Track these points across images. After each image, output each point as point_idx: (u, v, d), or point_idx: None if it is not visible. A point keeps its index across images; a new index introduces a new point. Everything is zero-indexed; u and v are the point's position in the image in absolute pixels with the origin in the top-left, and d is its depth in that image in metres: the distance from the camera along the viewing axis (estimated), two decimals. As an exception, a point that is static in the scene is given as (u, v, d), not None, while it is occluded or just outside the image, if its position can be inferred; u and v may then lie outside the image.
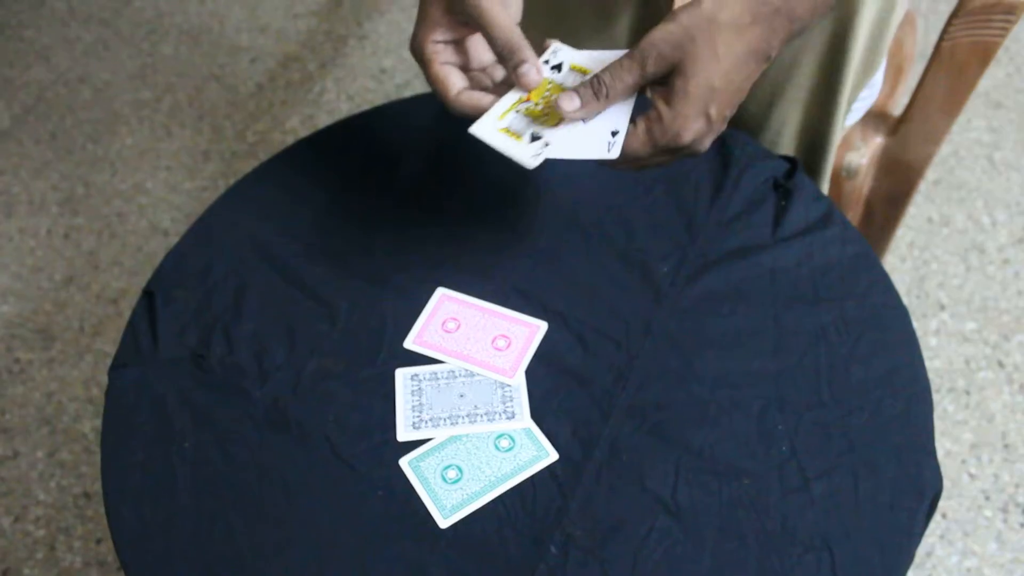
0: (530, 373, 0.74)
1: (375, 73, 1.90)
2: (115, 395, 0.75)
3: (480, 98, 0.70)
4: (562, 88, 0.69)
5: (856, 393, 0.72)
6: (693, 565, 0.64)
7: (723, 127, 0.68)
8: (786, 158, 0.87)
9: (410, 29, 0.78)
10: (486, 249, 0.82)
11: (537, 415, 0.72)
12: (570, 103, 0.67)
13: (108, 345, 1.51)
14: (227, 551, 0.66)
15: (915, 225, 1.58)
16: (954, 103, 1.02)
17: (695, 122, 0.65)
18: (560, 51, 0.71)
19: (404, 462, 0.70)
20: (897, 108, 1.12)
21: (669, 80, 0.65)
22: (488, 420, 0.72)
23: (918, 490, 0.67)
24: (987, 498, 1.29)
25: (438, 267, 0.81)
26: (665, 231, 0.83)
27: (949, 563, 1.24)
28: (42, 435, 1.42)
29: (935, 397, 0.76)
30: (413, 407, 0.73)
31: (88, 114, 1.86)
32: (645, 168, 0.70)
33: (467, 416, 0.72)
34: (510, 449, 0.70)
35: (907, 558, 0.65)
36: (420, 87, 1.83)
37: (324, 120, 1.82)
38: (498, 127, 0.69)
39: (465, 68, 0.73)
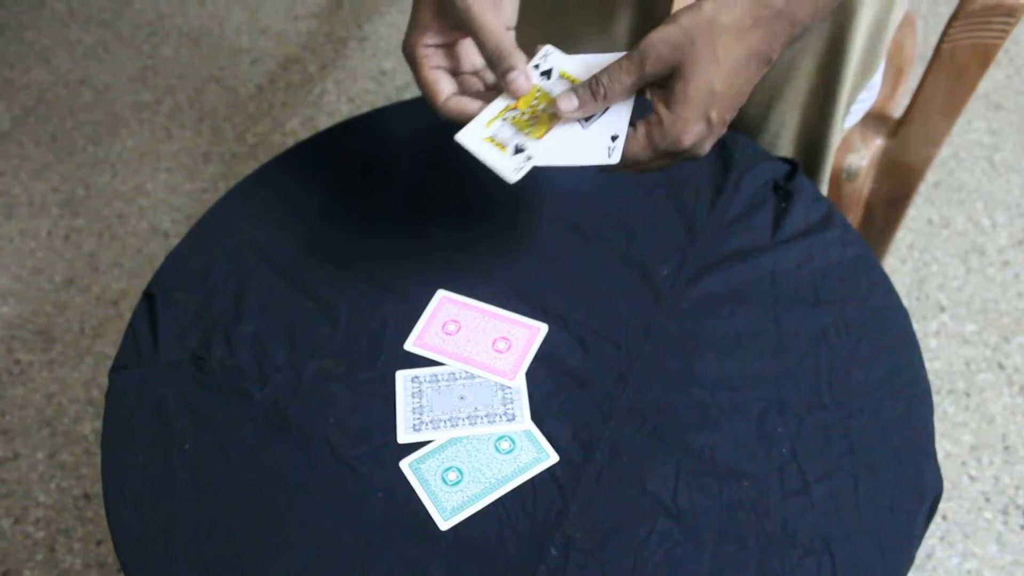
0: (530, 375, 0.74)
1: (375, 75, 1.90)
2: (115, 397, 0.75)
3: (467, 104, 0.69)
4: (549, 97, 0.68)
5: (856, 395, 0.72)
6: (693, 567, 0.64)
7: (723, 131, 0.67)
8: (786, 160, 0.87)
9: (410, 31, 0.78)
10: (487, 251, 0.83)
11: (537, 417, 0.72)
12: (568, 104, 0.66)
13: (108, 347, 1.51)
14: (227, 553, 0.66)
15: (915, 227, 1.58)
16: (954, 105, 1.03)
17: (695, 126, 0.65)
18: (551, 55, 0.70)
19: (404, 464, 0.70)
20: (897, 110, 1.12)
21: (669, 83, 0.65)
22: (488, 422, 0.72)
23: (918, 492, 0.67)
24: (987, 500, 1.29)
25: (438, 269, 0.81)
26: (665, 233, 0.83)
27: (949, 565, 1.24)
28: (42, 437, 1.42)
29: (935, 399, 0.76)
30: (413, 409, 0.73)
31: (88, 116, 1.86)
32: (644, 172, 0.70)
33: (467, 418, 0.72)
34: (510, 451, 0.70)
35: (907, 560, 0.65)
36: (420, 89, 1.83)
37: (324, 122, 1.82)
38: (483, 135, 0.68)
39: (456, 72, 0.72)
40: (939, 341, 1.45)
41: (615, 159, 0.66)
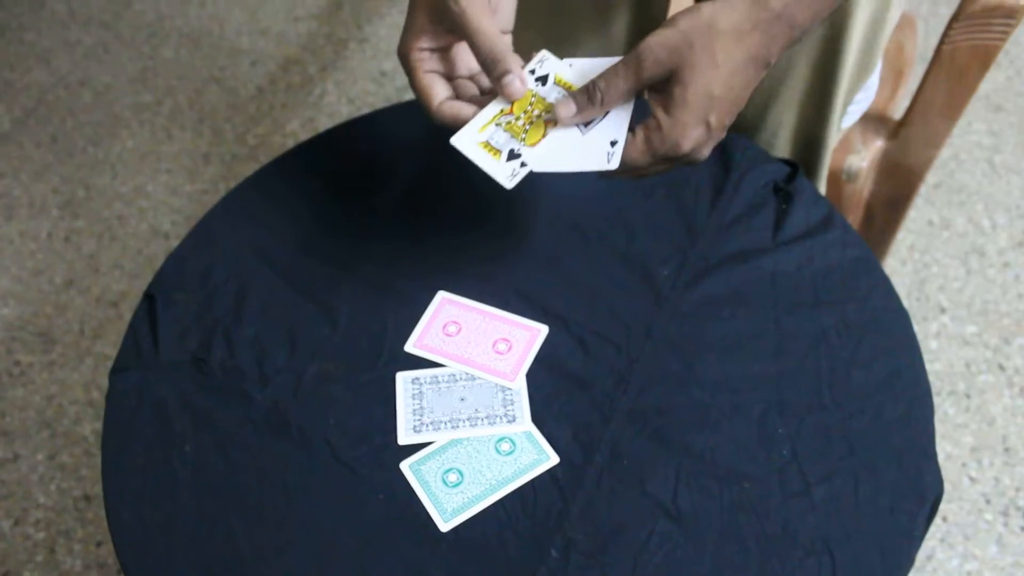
0: (531, 376, 0.74)
1: (375, 76, 1.90)
2: (116, 398, 0.75)
3: (461, 108, 0.69)
4: (545, 102, 0.68)
5: (857, 396, 0.72)
6: (694, 569, 0.64)
7: (723, 135, 0.67)
8: (787, 162, 0.87)
9: (410, 32, 0.78)
10: (487, 252, 0.83)
11: (538, 419, 0.72)
12: (566, 110, 0.66)
13: (108, 348, 1.51)
14: (227, 554, 0.66)
15: (915, 228, 1.58)
16: (954, 107, 1.03)
17: (694, 130, 0.65)
18: (547, 61, 0.70)
19: (405, 466, 0.70)
20: (897, 112, 1.12)
21: (667, 88, 0.64)
22: (489, 424, 0.72)
23: (919, 493, 0.67)
24: (988, 501, 1.29)
25: (439, 270, 0.81)
26: (666, 234, 0.83)
27: (950, 566, 1.24)
28: (42, 438, 1.42)
29: (935, 400, 0.76)
30: (414, 411, 0.73)
31: (89, 117, 1.86)
32: (643, 177, 0.70)
33: (468, 420, 0.72)
34: (511, 453, 0.70)
35: (908, 561, 0.65)
36: (420, 90, 1.83)
37: (325, 123, 1.82)
38: (478, 140, 0.68)
39: (451, 76, 0.72)
40: (939, 342, 1.45)
41: (614, 165, 0.66)
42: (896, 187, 1.13)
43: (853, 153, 1.08)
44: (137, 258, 1.63)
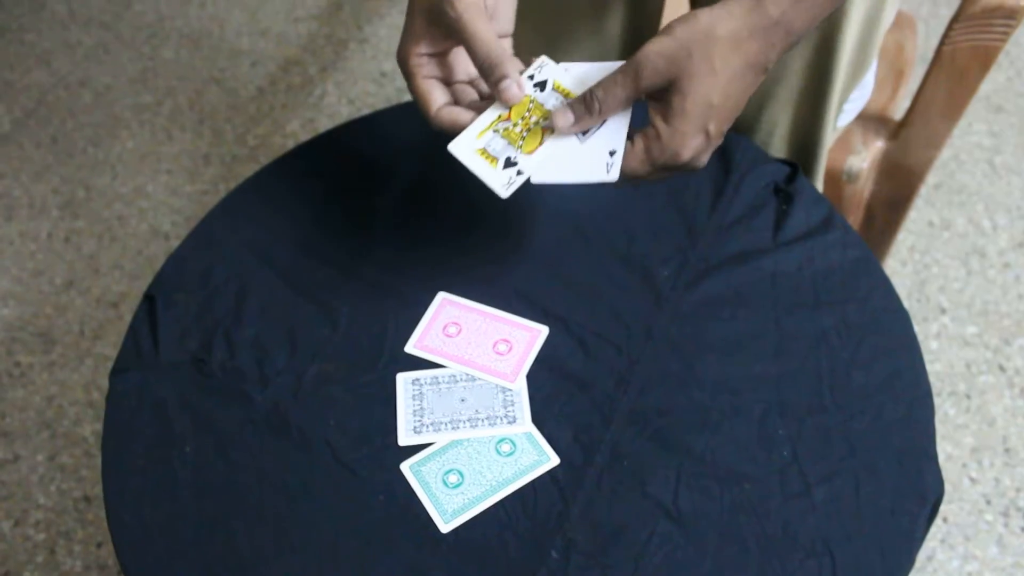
0: (531, 377, 0.74)
1: (376, 77, 1.90)
2: (116, 399, 0.75)
3: (460, 114, 0.69)
4: (543, 109, 0.68)
5: (857, 397, 0.72)
6: (694, 570, 0.64)
7: (720, 141, 0.67)
8: (787, 162, 0.87)
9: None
10: (487, 253, 0.82)
11: (538, 420, 0.72)
12: (564, 120, 0.66)
13: (109, 349, 1.51)
14: (228, 555, 0.66)
15: (916, 229, 1.58)
16: (955, 107, 1.03)
17: (694, 139, 0.65)
18: (546, 67, 0.70)
19: (405, 467, 0.70)
20: (898, 112, 1.12)
21: (666, 97, 0.64)
22: (489, 424, 0.72)
23: (919, 494, 0.67)
24: (988, 502, 1.29)
25: (439, 271, 0.81)
26: (666, 235, 0.83)
27: (950, 567, 1.24)
28: (42, 439, 1.42)
29: (936, 401, 0.76)
30: (414, 411, 0.73)
31: (89, 118, 1.86)
32: (642, 184, 0.70)
33: (468, 421, 0.72)
34: (511, 454, 0.70)
35: (908, 562, 0.65)
36: (421, 91, 1.83)
37: (325, 124, 1.82)
38: (475, 147, 0.68)
39: (449, 81, 0.72)
40: (940, 343, 1.45)
41: (614, 176, 0.66)
42: (896, 188, 1.13)
43: (853, 154, 1.08)
44: (137, 259, 1.63)
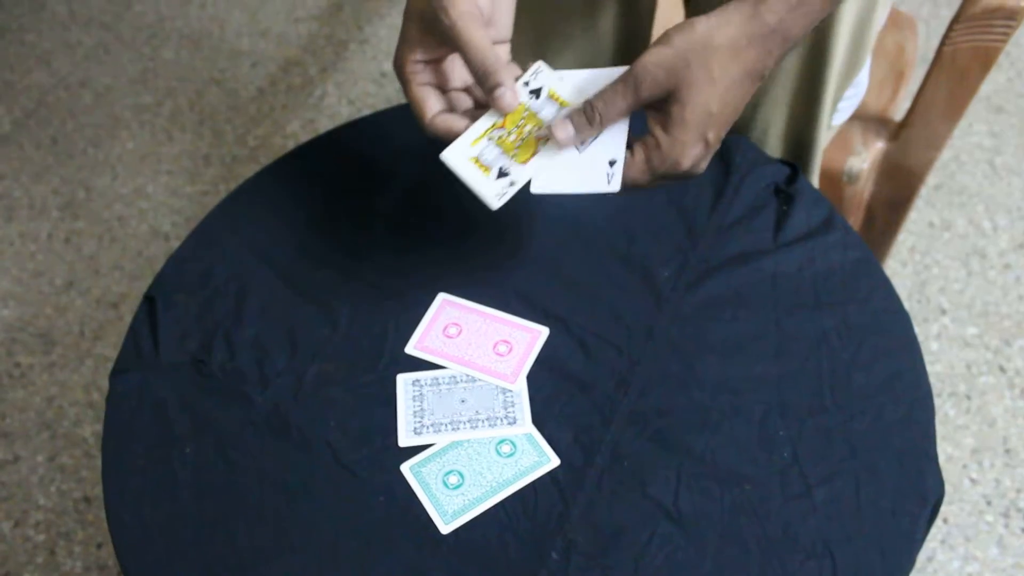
0: (531, 378, 0.74)
1: (376, 77, 1.90)
2: (116, 400, 0.75)
3: (455, 122, 0.69)
4: (536, 118, 0.68)
5: (858, 398, 0.72)
6: (695, 571, 0.64)
7: (718, 146, 0.68)
8: (787, 163, 0.87)
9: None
10: (487, 254, 0.82)
11: (538, 421, 0.72)
12: (564, 132, 0.66)
13: (109, 350, 1.51)
14: (228, 556, 0.66)
15: (916, 230, 1.58)
16: (955, 108, 1.03)
17: (693, 148, 0.65)
18: (541, 73, 0.69)
19: (405, 468, 0.70)
20: (898, 113, 1.12)
21: (665, 107, 0.64)
22: (489, 426, 0.72)
23: (920, 495, 0.67)
24: (988, 503, 1.29)
25: (439, 272, 0.81)
26: (666, 236, 0.83)
27: (950, 568, 1.24)
28: (42, 439, 1.41)
29: (936, 402, 0.76)
30: (414, 412, 0.73)
31: (89, 118, 1.86)
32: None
33: (468, 422, 0.72)
34: (511, 455, 0.70)
35: (909, 563, 0.65)
36: (421, 91, 1.83)
37: (325, 124, 1.82)
38: (469, 155, 0.68)
39: (445, 88, 0.71)
40: (940, 344, 1.45)
41: (615, 187, 0.66)
42: (897, 189, 1.13)
43: (854, 155, 1.08)
44: (137, 259, 1.63)
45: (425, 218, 0.85)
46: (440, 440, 0.71)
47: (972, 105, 1.12)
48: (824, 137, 0.97)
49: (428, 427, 0.72)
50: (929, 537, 1.24)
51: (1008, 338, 1.45)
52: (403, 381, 0.75)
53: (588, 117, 0.66)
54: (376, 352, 0.76)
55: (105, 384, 1.41)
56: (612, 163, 0.66)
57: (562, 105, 0.68)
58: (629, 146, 0.66)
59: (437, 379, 0.75)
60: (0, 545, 1.32)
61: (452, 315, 0.78)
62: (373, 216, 0.86)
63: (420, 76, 0.70)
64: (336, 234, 0.85)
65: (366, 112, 1.80)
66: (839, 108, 0.98)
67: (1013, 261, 1.54)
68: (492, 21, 0.70)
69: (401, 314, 0.78)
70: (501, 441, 0.71)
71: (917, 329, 0.78)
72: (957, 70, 0.99)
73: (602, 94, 0.66)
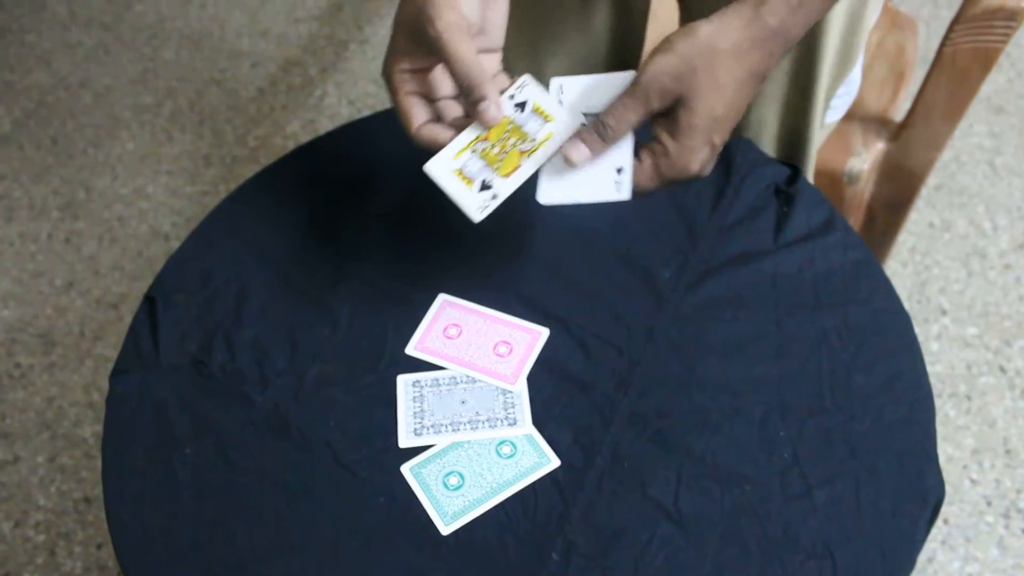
0: (532, 379, 0.74)
1: (376, 77, 1.90)
2: (116, 400, 0.75)
3: (440, 133, 0.69)
4: (521, 131, 0.68)
5: (858, 399, 0.72)
6: (695, 572, 0.64)
7: (722, 147, 0.68)
8: (788, 164, 0.87)
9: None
10: (487, 255, 0.82)
11: (539, 421, 0.72)
12: (578, 155, 0.66)
13: (109, 350, 1.51)
14: (228, 557, 0.66)
15: (916, 230, 1.58)
16: (956, 109, 1.03)
17: (701, 153, 0.66)
18: (527, 87, 0.69)
19: (405, 468, 0.70)
20: (899, 114, 1.12)
21: (672, 113, 0.65)
22: (490, 427, 0.72)
23: (920, 496, 0.67)
24: (989, 504, 1.29)
25: (440, 273, 0.81)
26: (667, 237, 0.83)
27: (951, 569, 1.24)
28: (42, 440, 1.41)
29: (936, 402, 0.76)
30: (415, 413, 0.73)
31: (89, 119, 1.86)
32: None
33: (469, 423, 0.72)
34: (512, 456, 0.70)
35: (909, 564, 0.65)
36: (421, 92, 1.83)
37: (325, 125, 1.82)
38: (452, 167, 0.68)
39: (433, 98, 0.71)
40: (940, 344, 1.45)
41: (626, 195, 0.66)
42: (897, 189, 1.13)
43: (854, 155, 1.08)
44: (137, 260, 1.63)
45: (425, 219, 0.85)
46: (440, 441, 0.71)
47: (972, 106, 1.12)
48: (818, 135, 0.97)
49: (428, 428, 0.72)
50: (929, 538, 1.23)
51: (1008, 338, 1.45)
52: (403, 382, 0.75)
53: (600, 135, 0.66)
54: (376, 353, 0.76)
55: (105, 385, 1.41)
56: (620, 171, 0.66)
57: (547, 119, 0.68)
58: (636, 153, 0.67)
59: (437, 380, 0.74)
60: (0, 545, 1.32)
61: (452, 316, 0.78)
62: (373, 217, 0.86)
63: (407, 85, 0.70)
64: (336, 235, 0.85)
65: (366, 112, 1.80)
66: (832, 106, 0.98)
67: (1013, 261, 1.54)
68: (483, 30, 0.70)
69: (401, 315, 0.78)
70: (501, 442, 0.71)
71: (917, 329, 0.78)
72: (957, 71, 0.99)
73: (612, 110, 0.66)
